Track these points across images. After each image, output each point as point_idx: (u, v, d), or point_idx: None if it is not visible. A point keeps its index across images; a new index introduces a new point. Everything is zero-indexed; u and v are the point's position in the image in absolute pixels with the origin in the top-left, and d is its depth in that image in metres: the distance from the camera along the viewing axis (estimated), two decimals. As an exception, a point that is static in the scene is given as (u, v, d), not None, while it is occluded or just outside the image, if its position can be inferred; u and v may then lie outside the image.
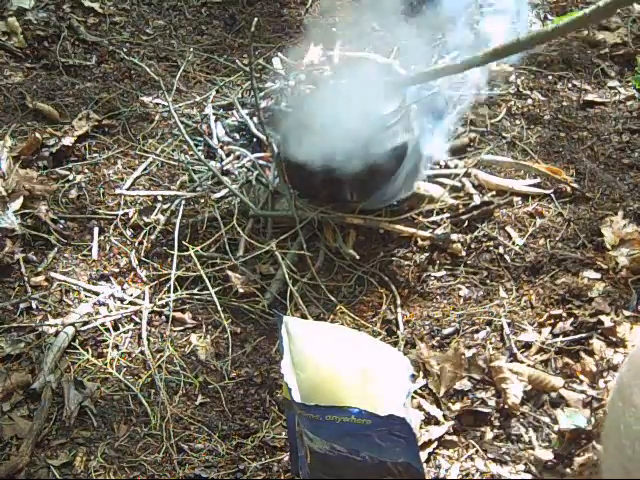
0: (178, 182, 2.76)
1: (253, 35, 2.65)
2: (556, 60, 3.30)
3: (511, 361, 2.08)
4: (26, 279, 2.41)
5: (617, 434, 1.03)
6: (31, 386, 2.09)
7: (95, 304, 2.35)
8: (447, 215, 2.53)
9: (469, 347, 2.14)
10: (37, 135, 2.89)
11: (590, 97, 3.09)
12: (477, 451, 1.88)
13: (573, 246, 2.43)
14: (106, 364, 2.18)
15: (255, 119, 2.86)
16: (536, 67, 3.26)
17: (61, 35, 3.52)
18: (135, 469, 1.93)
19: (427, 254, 2.44)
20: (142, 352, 2.21)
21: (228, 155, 2.82)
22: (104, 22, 3.71)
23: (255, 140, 2.87)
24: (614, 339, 2.11)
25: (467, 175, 2.62)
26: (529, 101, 3.08)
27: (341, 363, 1.78)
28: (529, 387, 2.00)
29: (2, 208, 2.57)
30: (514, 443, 1.90)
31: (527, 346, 2.14)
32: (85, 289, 2.40)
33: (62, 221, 2.63)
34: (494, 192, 2.60)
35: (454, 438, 1.92)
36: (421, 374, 2.06)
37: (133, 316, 2.32)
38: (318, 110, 2.48)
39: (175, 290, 2.36)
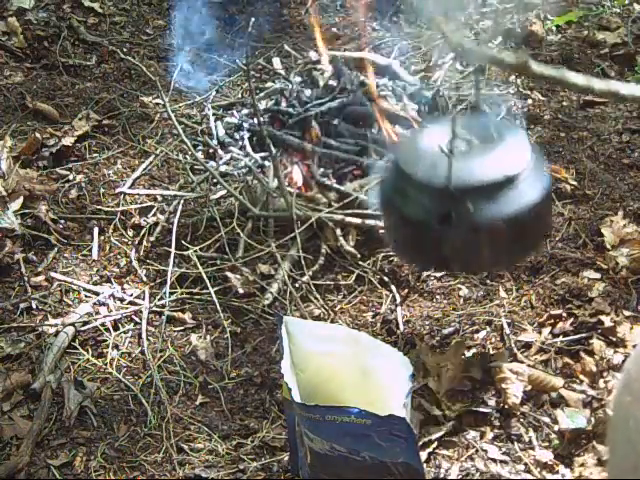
0: (178, 182, 2.76)
1: (250, 35, 2.63)
2: (556, 60, 3.30)
3: (511, 361, 2.08)
4: (26, 279, 2.41)
5: (626, 429, 1.02)
6: (31, 386, 2.09)
7: (95, 304, 2.35)
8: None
9: (469, 347, 2.14)
10: (37, 135, 2.89)
11: (590, 97, 3.09)
12: (477, 451, 1.88)
13: (573, 246, 2.43)
14: (106, 364, 2.18)
15: (254, 120, 2.87)
16: (536, 67, 3.26)
17: (61, 35, 3.52)
18: (135, 469, 1.93)
19: (427, 254, 2.44)
20: (142, 352, 2.21)
21: (228, 155, 2.82)
22: (104, 22, 3.71)
23: (255, 140, 2.87)
24: (614, 339, 2.10)
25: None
26: (529, 101, 3.08)
27: (341, 363, 1.78)
28: (529, 387, 2.00)
29: (2, 208, 2.57)
30: (514, 443, 1.90)
31: (527, 346, 2.14)
32: (85, 289, 2.40)
33: (62, 221, 2.63)
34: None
35: (454, 438, 1.92)
36: (421, 374, 2.06)
37: (133, 316, 2.32)
38: (432, 159, 1.95)
39: (175, 290, 2.37)
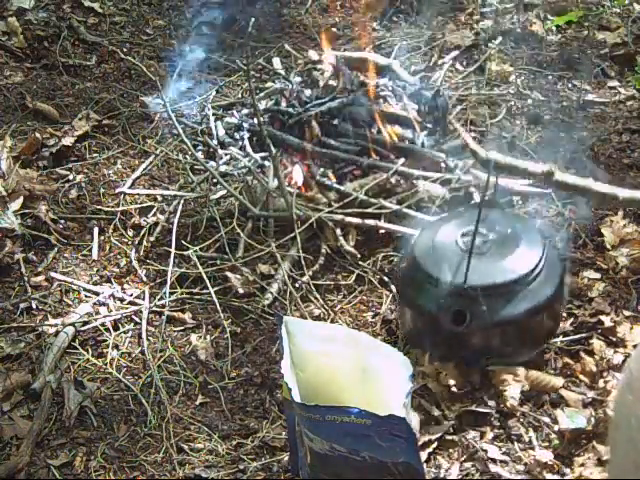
0: (178, 182, 2.76)
1: (250, 35, 2.61)
2: (556, 60, 3.30)
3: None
4: (26, 279, 2.41)
5: (628, 428, 1.02)
6: (31, 386, 2.09)
7: (95, 304, 2.35)
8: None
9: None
10: (37, 135, 2.89)
11: (590, 97, 3.09)
12: (477, 451, 1.88)
13: (573, 246, 2.43)
14: (106, 364, 2.18)
15: (254, 120, 2.87)
16: (536, 67, 3.26)
17: (61, 35, 3.53)
18: (135, 469, 1.93)
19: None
20: (142, 352, 2.21)
21: (227, 155, 2.82)
22: (104, 22, 3.71)
23: (255, 140, 2.87)
24: (614, 339, 2.10)
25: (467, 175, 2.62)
26: (529, 101, 3.08)
27: (341, 363, 1.78)
28: (529, 387, 2.00)
29: (2, 208, 2.57)
30: (514, 443, 1.90)
31: (527, 346, 2.14)
32: (85, 289, 2.40)
33: (62, 221, 2.64)
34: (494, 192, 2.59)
35: (454, 438, 1.92)
36: (421, 374, 2.06)
37: (133, 316, 2.32)
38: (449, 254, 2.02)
39: (175, 290, 2.37)
